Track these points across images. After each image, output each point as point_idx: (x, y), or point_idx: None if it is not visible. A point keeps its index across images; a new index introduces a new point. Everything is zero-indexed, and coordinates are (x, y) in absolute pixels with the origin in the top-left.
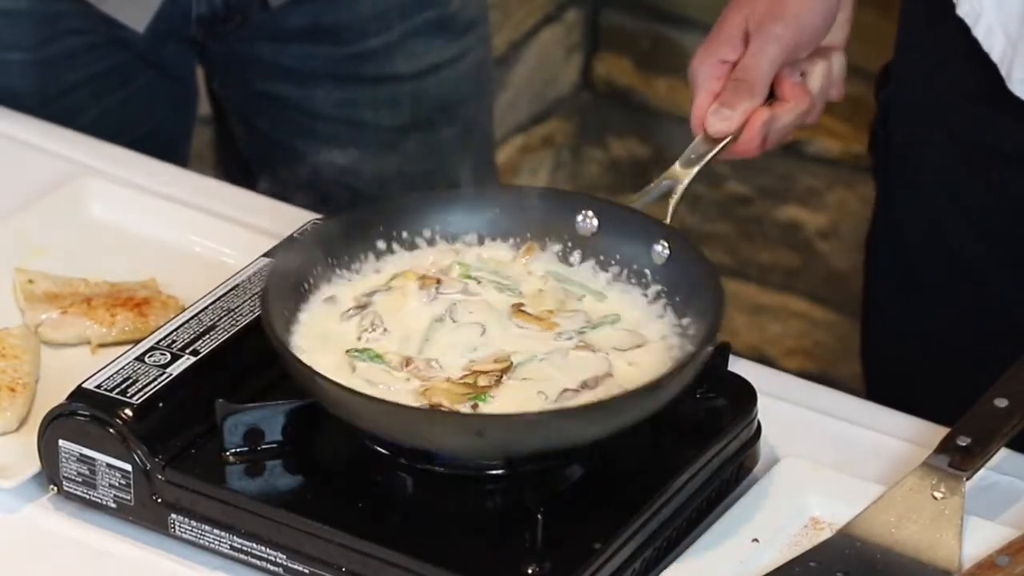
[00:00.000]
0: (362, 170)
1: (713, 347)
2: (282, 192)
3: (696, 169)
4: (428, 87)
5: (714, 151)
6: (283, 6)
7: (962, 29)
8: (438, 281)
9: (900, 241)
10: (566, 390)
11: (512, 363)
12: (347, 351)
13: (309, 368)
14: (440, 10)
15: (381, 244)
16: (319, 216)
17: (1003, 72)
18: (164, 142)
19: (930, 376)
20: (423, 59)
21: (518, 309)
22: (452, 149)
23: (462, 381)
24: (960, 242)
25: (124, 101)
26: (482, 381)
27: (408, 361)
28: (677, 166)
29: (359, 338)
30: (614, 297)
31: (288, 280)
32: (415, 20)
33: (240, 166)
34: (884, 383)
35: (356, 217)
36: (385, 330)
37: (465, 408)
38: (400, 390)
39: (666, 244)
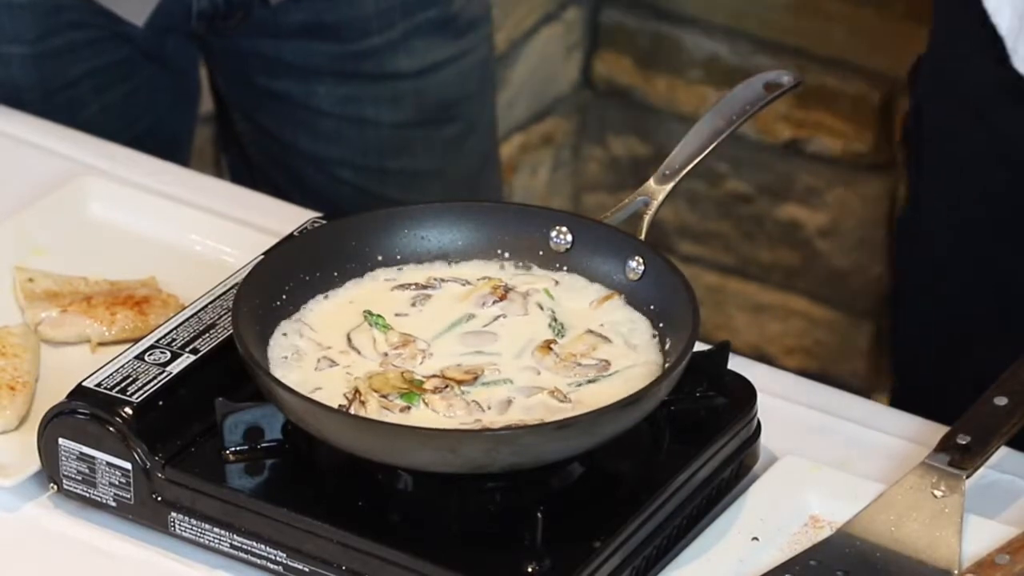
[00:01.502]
0: (364, 168)
1: (685, 362)
2: (284, 188)
3: (671, 186)
4: (430, 85)
5: (689, 166)
6: (283, 3)
7: (987, 23)
8: (504, 296)
9: (929, 238)
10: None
11: (476, 377)
12: (365, 311)
13: (275, 379)
14: (442, 9)
15: (353, 265)
16: (319, 215)
17: (1008, 46)
18: (167, 137)
19: (955, 375)
20: (425, 57)
21: (546, 346)
22: (454, 147)
23: (412, 377)
24: (989, 239)
25: (126, 96)
26: (430, 384)
27: (406, 341)
28: (651, 182)
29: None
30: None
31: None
32: (417, 18)
33: (243, 162)
34: (911, 382)
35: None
36: (421, 311)
37: (396, 402)
38: (359, 363)
39: (641, 260)
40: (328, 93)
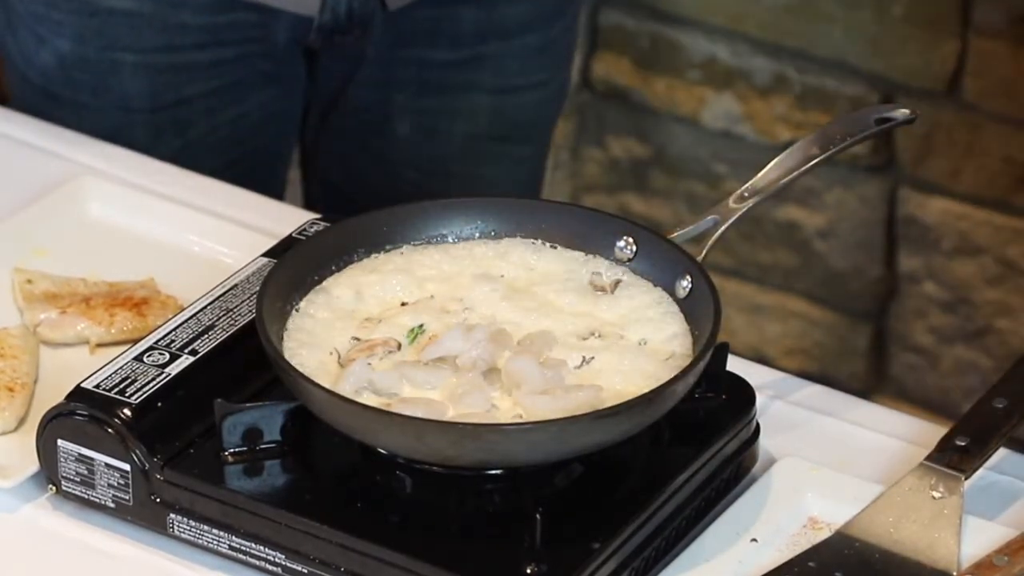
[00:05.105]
0: (430, 170)
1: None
2: (339, 181)
3: (745, 207)
4: (508, 105)
5: (773, 189)
6: (403, 8)
7: None
8: None
9: None
10: None
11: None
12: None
13: (300, 373)
14: (541, 35)
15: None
16: (318, 216)
17: None
18: (269, 160)
19: None
20: (512, 79)
21: (550, 339)
22: (519, 163)
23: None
24: None
25: (237, 118)
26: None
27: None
28: (729, 202)
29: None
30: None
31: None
32: (514, 42)
33: (300, 151)
34: None
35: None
36: (432, 297)
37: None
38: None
39: (690, 279)
40: (406, 103)
